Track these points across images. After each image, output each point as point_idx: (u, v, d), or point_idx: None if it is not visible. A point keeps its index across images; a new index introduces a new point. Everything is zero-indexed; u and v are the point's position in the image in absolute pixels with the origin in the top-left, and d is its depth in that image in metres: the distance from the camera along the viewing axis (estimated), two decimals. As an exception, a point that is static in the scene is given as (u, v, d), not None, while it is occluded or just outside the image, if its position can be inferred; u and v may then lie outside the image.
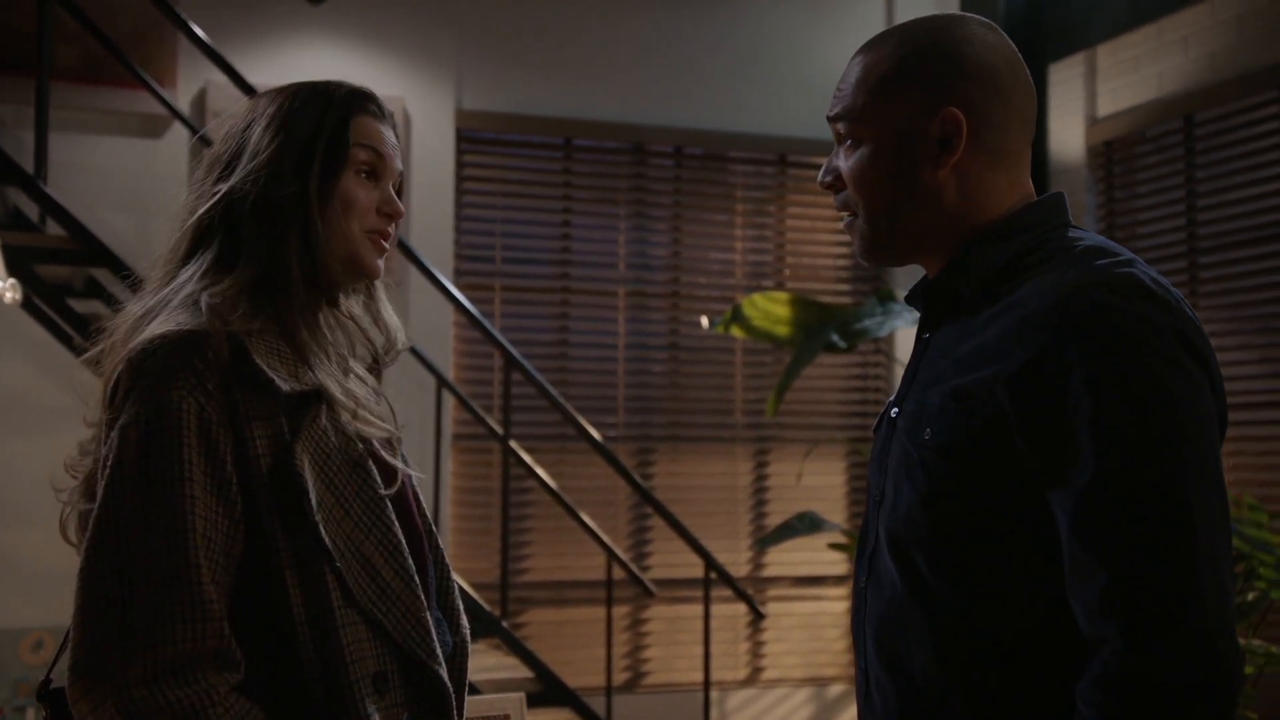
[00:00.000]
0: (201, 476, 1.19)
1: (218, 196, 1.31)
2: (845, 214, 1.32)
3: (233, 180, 1.31)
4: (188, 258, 1.32)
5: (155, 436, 1.19)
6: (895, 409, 1.30)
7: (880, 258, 1.32)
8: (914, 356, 1.33)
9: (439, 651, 1.30)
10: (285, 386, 1.25)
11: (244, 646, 1.20)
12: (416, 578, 1.29)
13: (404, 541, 1.30)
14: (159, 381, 1.20)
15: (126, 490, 1.18)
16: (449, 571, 1.43)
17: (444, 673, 1.29)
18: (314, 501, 1.22)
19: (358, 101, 1.38)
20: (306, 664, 1.21)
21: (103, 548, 1.17)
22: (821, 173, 1.33)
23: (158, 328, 1.24)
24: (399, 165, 1.40)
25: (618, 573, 4.56)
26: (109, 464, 1.20)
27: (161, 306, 1.28)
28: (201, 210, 1.32)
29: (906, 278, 4.94)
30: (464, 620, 1.42)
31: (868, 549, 1.30)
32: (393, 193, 1.39)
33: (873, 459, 1.35)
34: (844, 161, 1.30)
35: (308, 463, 1.24)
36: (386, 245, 1.39)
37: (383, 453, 1.34)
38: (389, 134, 1.40)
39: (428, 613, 1.29)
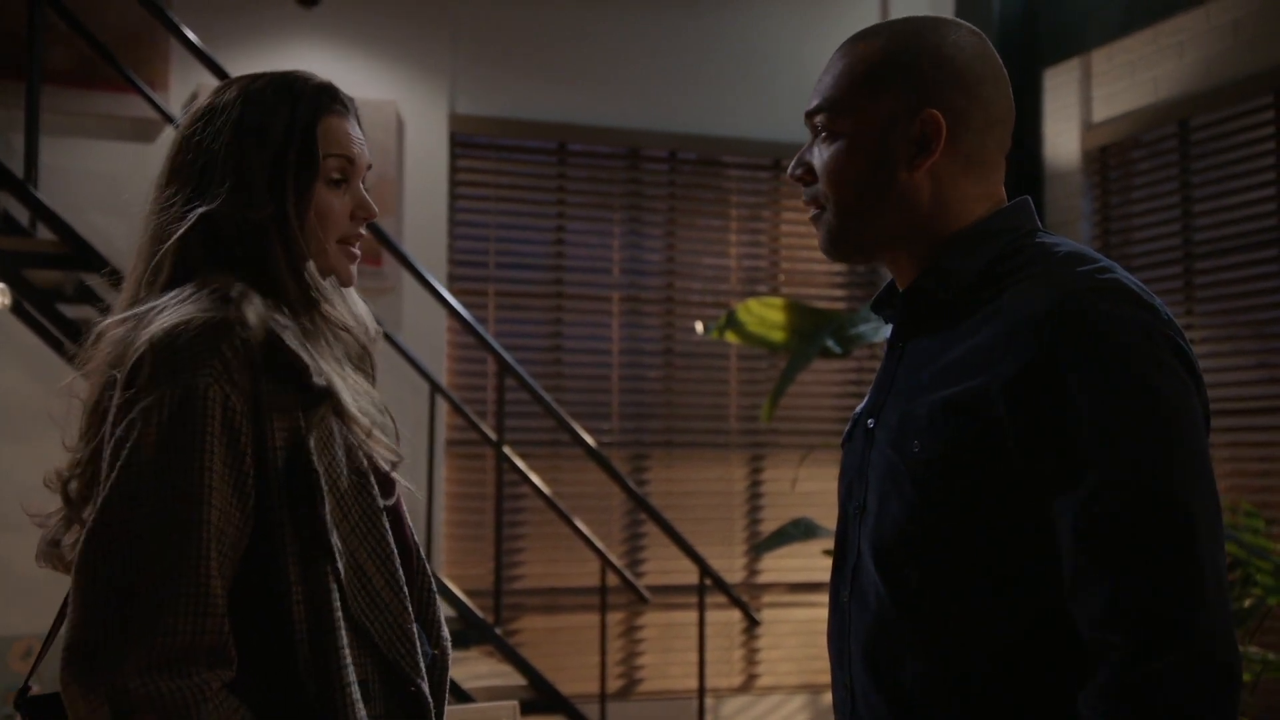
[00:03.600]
0: (221, 467, 1.17)
1: (194, 218, 1.28)
2: (812, 208, 1.31)
3: (208, 203, 1.28)
4: (172, 281, 1.29)
5: (179, 422, 1.16)
6: (871, 419, 1.28)
7: (845, 255, 1.31)
8: (887, 365, 1.31)
9: (422, 664, 1.28)
10: (315, 376, 1.24)
11: (240, 641, 1.18)
12: (405, 588, 1.27)
13: (395, 550, 1.28)
14: (186, 366, 1.18)
15: (143, 474, 1.16)
16: (430, 583, 1.41)
17: (426, 686, 1.28)
18: (327, 498, 1.21)
19: (322, 102, 1.34)
20: (302, 664, 1.19)
21: (110, 532, 1.15)
22: (792, 165, 1.31)
23: (182, 314, 1.21)
24: (368, 159, 1.38)
25: (612, 579, 4.54)
26: (126, 446, 1.17)
27: (178, 301, 1.24)
28: (179, 233, 1.28)
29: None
30: (445, 633, 1.40)
31: (848, 563, 1.28)
32: (365, 194, 1.37)
33: (847, 470, 1.33)
34: (818, 155, 1.28)
35: (321, 461, 1.23)
36: (357, 251, 1.37)
37: (381, 463, 1.32)
38: (355, 130, 1.37)
39: (414, 624, 1.28)
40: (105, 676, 1.11)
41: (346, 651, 1.20)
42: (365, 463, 1.28)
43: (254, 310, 1.23)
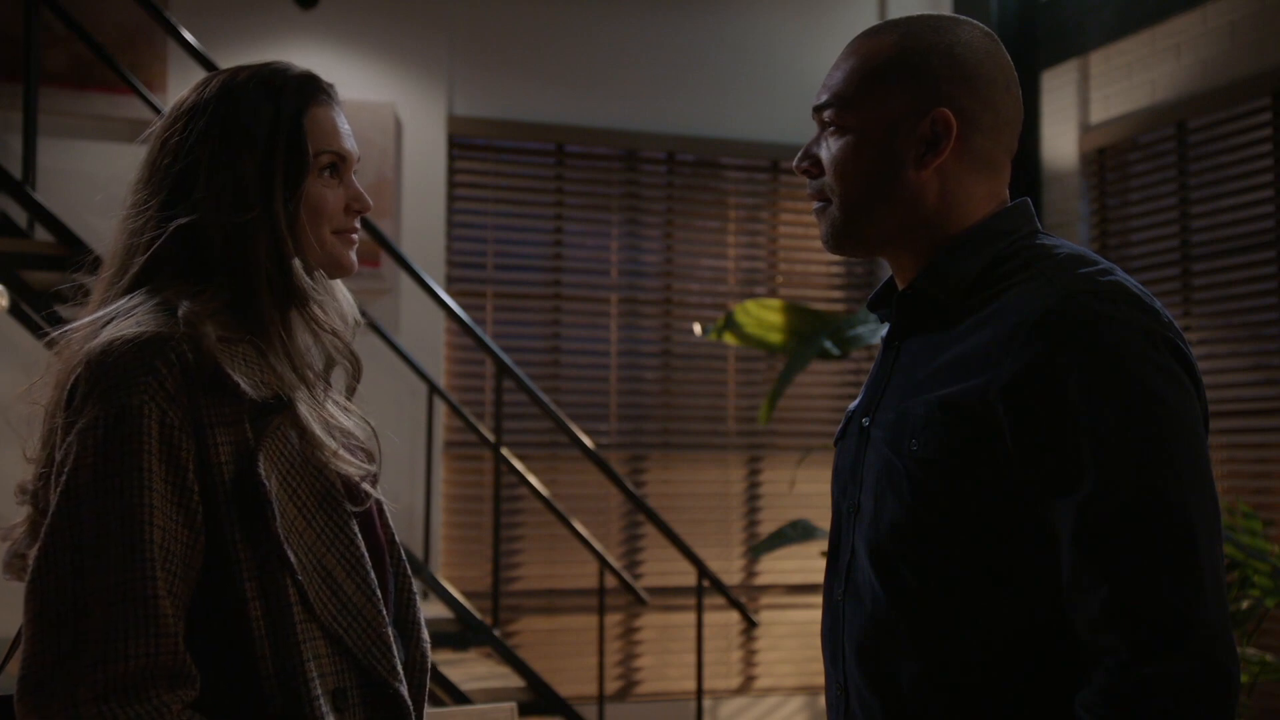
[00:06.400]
0: (161, 485, 1.15)
1: (175, 226, 1.25)
2: (816, 201, 1.31)
3: (187, 211, 1.25)
4: (132, 287, 1.26)
5: (114, 443, 1.14)
6: (866, 418, 1.28)
7: (847, 249, 1.31)
8: (883, 364, 1.31)
9: (399, 668, 1.26)
10: (252, 392, 1.21)
11: (202, 660, 1.16)
12: (378, 592, 1.25)
13: (366, 554, 1.26)
14: (120, 385, 1.16)
15: (82, 498, 1.14)
16: (410, 584, 1.38)
17: (404, 690, 1.26)
18: (276, 512, 1.19)
19: (307, 92, 1.31)
20: (265, 679, 1.17)
21: (55, 558, 1.13)
22: (798, 157, 1.31)
23: (120, 330, 1.19)
24: (357, 151, 1.35)
25: (610, 581, 4.54)
26: (65, 470, 1.15)
27: (122, 313, 1.22)
28: (156, 244, 1.25)
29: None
30: (424, 634, 1.37)
31: (842, 562, 1.28)
32: (359, 187, 1.34)
33: (841, 469, 1.32)
34: (825, 149, 1.28)
35: (272, 471, 1.20)
36: (355, 237, 1.35)
37: (351, 475, 1.30)
38: (342, 121, 1.34)
39: (389, 628, 1.26)
40: (60, 708, 1.10)
41: (312, 664, 1.18)
42: (332, 471, 1.26)
43: (198, 323, 1.20)
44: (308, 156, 1.29)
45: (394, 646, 1.26)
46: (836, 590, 1.29)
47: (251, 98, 1.29)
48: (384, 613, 1.25)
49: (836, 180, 1.27)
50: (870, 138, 1.25)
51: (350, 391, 1.38)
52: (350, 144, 1.34)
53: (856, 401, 1.34)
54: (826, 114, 1.28)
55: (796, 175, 5.58)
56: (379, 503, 1.36)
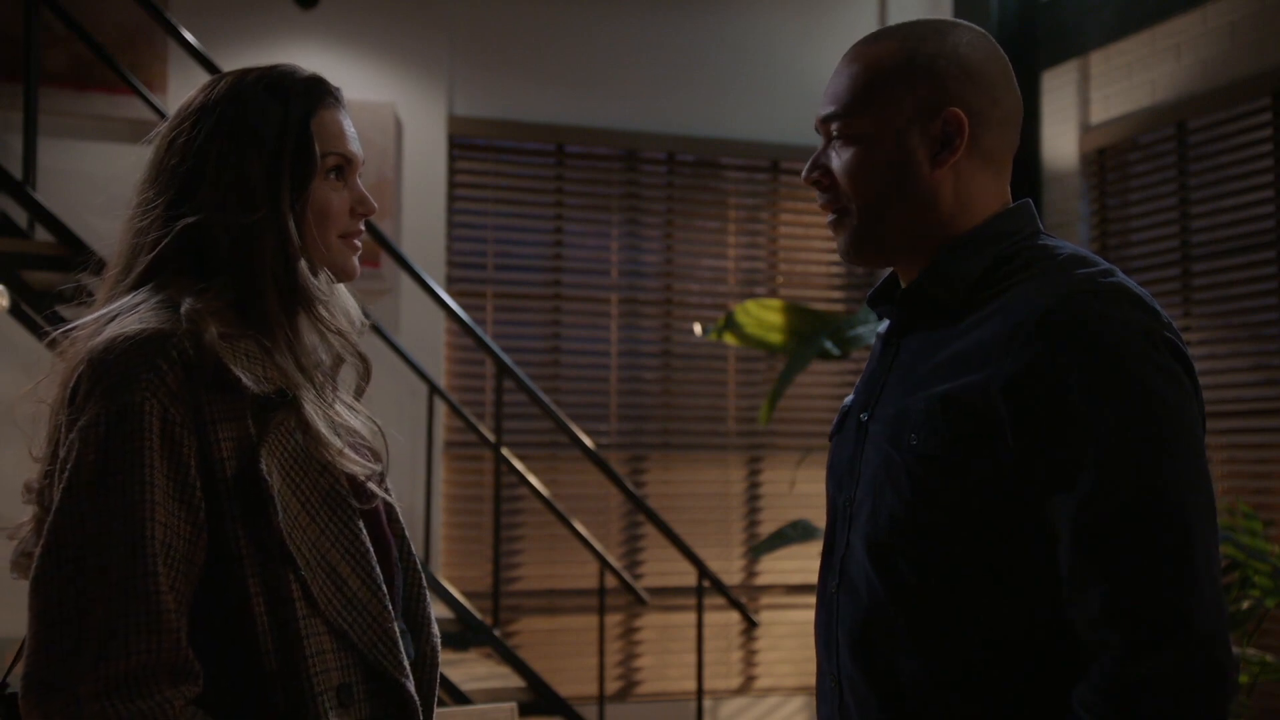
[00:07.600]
0: (163, 482, 1.15)
1: (181, 226, 1.25)
2: (829, 212, 1.31)
3: (194, 211, 1.25)
4: (136, 285, 1.26)
5: (116, 440, 1.15)
6: (865, 413, 1.29)
7: (867, 257, 1.31)
8: (883, 360, 1.31)
9: (406, 663, 1.26)
10: (254, 387, 1.21)
11: (205, 657, 1.17)
12: (384, 587, 1.25)
13: (371, 549, 1.26)
14: (122, 382, 1.16)
15: (84, 495, 1.14)
16: (421, 580, 1.39)
17: (410, 685, 1.26)
18: (279, 507, 1.19)
19: (315, 95, 1.32)
20: (269, 675, 1.17)
21: (57, 555, 1.13)
22: (807, 168, 1.31)
23: (122, 327, 1.20)
24: (362, 154, 1.36)
25: (610, 581, 4.54)
26: (67, 467, 1.16)
27: (125, 310, 1.23)
28: (161, 244, 1.26)
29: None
30: (434, 630, 1.38)
31: (837, 556, 1.29)
32: (363, 189, 1.35)
33: (837, 465, 1.33)
34: (835, 158, 1.28)
35: (275, 467, 1.20)
36: (359, 243, 1.35)
37: (357, 474, 1.30)
38: (348, 124, 1.35)
39: (395, 623, 1.26)
40: (62, 704, 1.10)
41: (316, 660, 1.18)
42: (337, 468, 1.26)
43: (200, 319, 1.20)
44: (315, 158, 1.29)
45: (400, 642, 1.26)
46: (830, 583, 1.29)
47: (259, 99, 1.29)
48: (390, 608, 1.25)
49: (853, 188, 1.27)
50: (883, 143, 1.25)
51: (359, 392, 1.38)
52: (356, 147, 1.34)
53: (851, 397, 1.35)
54: (835, 125, 1.28)
55: (796, 175, 5.58)
56: (387, 501, 1.36)
